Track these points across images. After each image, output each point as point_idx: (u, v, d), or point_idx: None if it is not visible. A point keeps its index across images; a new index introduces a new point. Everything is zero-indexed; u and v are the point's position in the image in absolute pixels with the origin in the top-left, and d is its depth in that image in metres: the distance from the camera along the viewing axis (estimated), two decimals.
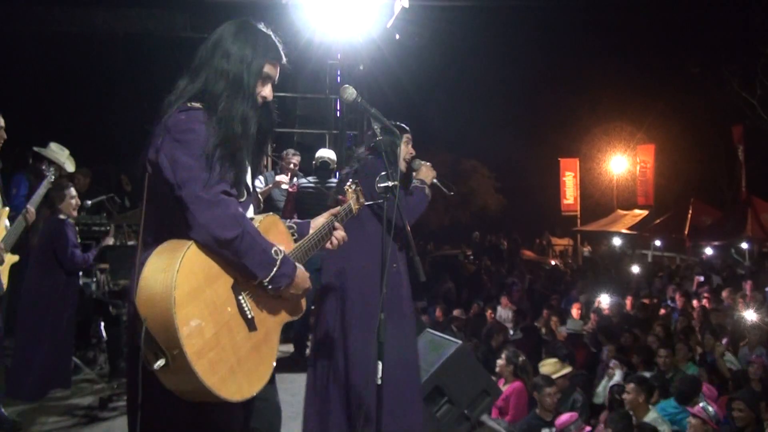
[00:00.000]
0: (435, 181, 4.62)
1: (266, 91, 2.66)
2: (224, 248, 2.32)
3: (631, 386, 6.54)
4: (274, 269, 2.43)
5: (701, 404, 6.04)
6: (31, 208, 5.37)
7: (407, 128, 4.63)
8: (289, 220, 2.87)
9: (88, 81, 15.31)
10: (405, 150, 4.56)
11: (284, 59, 2.71)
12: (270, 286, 2.45)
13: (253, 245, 2.37)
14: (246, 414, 2.66)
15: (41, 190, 5.54)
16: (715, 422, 5.88)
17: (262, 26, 2.70)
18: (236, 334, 2.39)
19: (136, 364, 2.30)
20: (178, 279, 2.21)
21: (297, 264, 2.59)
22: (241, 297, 2.42)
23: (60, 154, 6.93)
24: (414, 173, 4.63)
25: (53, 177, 5.65)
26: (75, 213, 6.20)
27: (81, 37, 12.44)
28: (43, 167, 5.80)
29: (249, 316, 2.44)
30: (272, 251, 2.44)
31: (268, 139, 2.82)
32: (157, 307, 2.20)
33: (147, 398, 2.32)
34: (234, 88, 2.54)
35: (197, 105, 2.48)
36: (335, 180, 7.41)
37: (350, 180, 3.40)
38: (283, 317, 2.66)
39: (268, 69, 2.64)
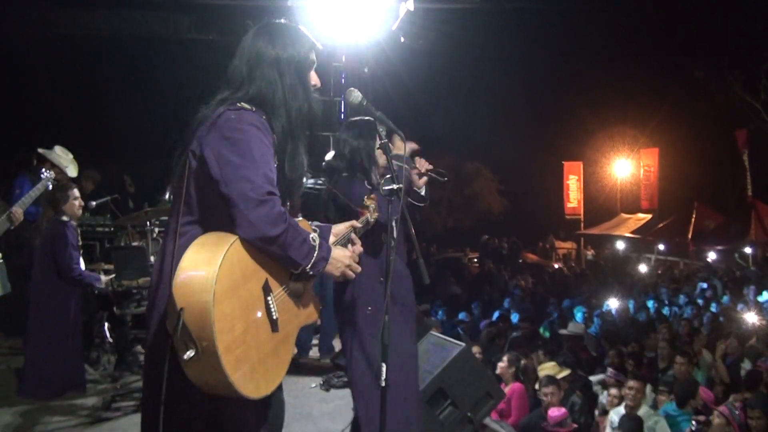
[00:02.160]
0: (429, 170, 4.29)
1: (315, 79, 2.80)
2: (271, 244, 2.40)
3: (637, 383, 6.58)
4: (314, 256, 2.53)
5: (728, 406, 6.07)
6: (18, 209, 5.37)
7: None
8: (312, 223, 2.90)
9: (92, 82, 15.36)
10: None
11: (318, 43, 2.82)
12: (312, 272, 2.56)
13: (296, 237, 2.46)
14: (261, 412, 2.69)
15: (33, 192, 5.55)
16: (738, 425, 5.90)
17: (285, 21, 2.79)
18: (261, 333, 2.44)
19: (161, 354, 2.33)
20: (220, 274, 2.25)
21: (331, 245, 2.70)
22: (269, 298, 2.49)
23: (63, 158, 6.94)
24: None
25: (49, 182, 5.65)
26: (79, 214, 6.21)
27: (85, 39, 12.48)
28: (42, 169, 5.79)
29: (274, 317, 2.49)
30: (310, 239, 2.54)
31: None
32: (195, 299, 2.24)
33: (167, 390, 2.34)
34: (292, 93, 2.64)
35: (247, 106, 2.54)
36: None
37: (367, 193, 3.41)
38: (301, 320, 2.73)
39: (311, 59, 2.77)
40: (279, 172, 2.58)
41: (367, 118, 4.10)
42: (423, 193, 4.35)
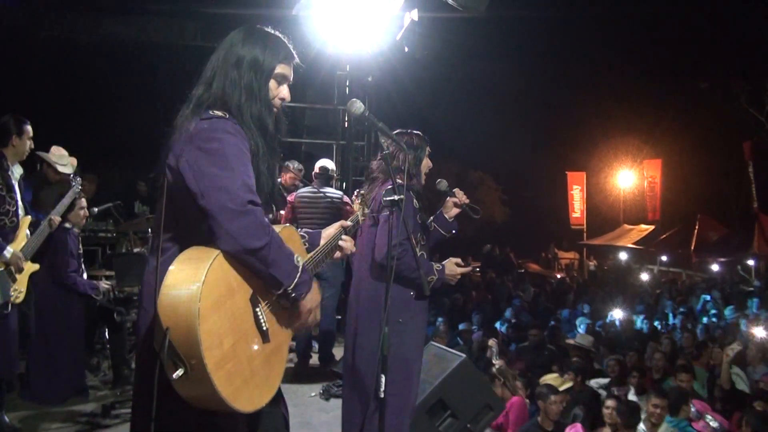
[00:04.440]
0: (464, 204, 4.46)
1: (284, 92, 2.69)
2: (252, 257, 2.33)
3: (662, 401, 6.52)
4: (297, 276, 2.44)
5: (707, 419, 6.01)
6: (56, 217, 5.42)
7: (427, 139, 4.38)
8: (301, 229, 2.90)
9: (98, 88, 15.39)
10: (426, 163, 4.36)
11: (296, 58, 2.73)
12: (293, 294, 2.46)
13: (280, 253, 2.39)
14: (252, 423, 2.67)
15: (66, 200, 5.58)
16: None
17: (269, 29, 2.72)
18: (251, 345, 2.41)
19: (149, 372, 2.30)
20: (204, 290, 2.21)
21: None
22: (258, 309, 2.44)
23: (58, 156, 6.86)
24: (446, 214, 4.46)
25: (79, 187, 5.70)
26: (83, 223, 6.24)
27: (92, 44, 12.52)
28: (71, 177, 5.83)
29: (264, 328, 2.45)
30: (295, 259, 2.46)
31: (277, 147, 2.81)
32: (180, 317, 2.20)
33: (158, 406, 2.32)
34: (248, 93, 2.57)
35: (220, 113, 2.49)
36: (331, 189, 7.56)
37: (356, 192, 3.44)
38: (293, 329, 2.67)
39: (280, 69, 2.65)
40: (258, 178, 2.52)
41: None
42: (451, 222, 4.49)
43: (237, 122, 2.51)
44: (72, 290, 6.02)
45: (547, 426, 6.51)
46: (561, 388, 7.25)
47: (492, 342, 9.16)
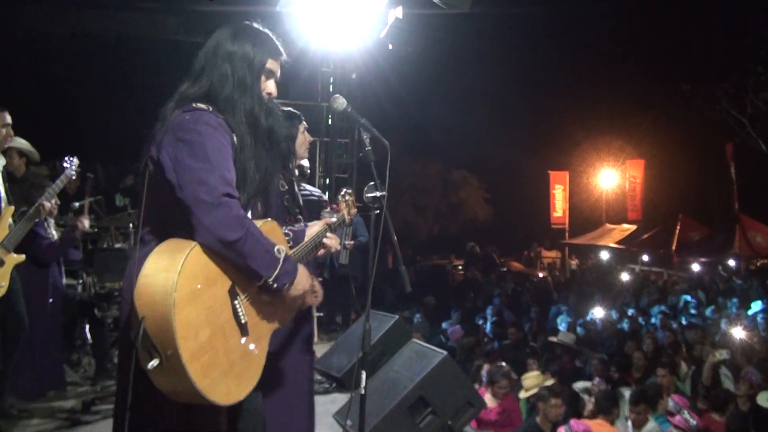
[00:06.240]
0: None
1: (270, 87, 2.72)
2: (228, 249, 2.33)
3: (638, 407, 6.52)
4: (278, 268, 2.44)
5: (684, 415, 6.06)
6: (46, 203, 5.23)
7: (300, 116, 4.25)
8: (286, 227, 2.89)
9: (79, 82, 15.29)
10: (303, 140, 4.24)
11: (284, 55, 2.76)
12: (274, 285, 2.47)
13: (257, 246, 2.39)
14: (231, 417, 2.66)
15: (58, 183, 5.39)
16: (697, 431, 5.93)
17: (258, 25, 2.74)
18: (229, 338, 2.40)
19: (128, 363, 2.30)
20: (180, 281, 2.21)
21: (298, 264, 2.62)
22: (236, 302, 2.44)
23: (21, 142, 6.67)
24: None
25: (73, 172, 5.51)
26: (55, 212, 6.12)
27: (72, 38, 12.44)
28: (65, 158, 5.64)
29: (242, 321, 2.45)
30: (275, 250, 2.46)
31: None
32: (156, 306, 2.20)
33: (137, 399, 2.31)
34: (240, 88, 2.58)
35: (203, 106, 2.50)
36: (311, 186, 7.51)
37: (344, 190, 3.42)
38: (274, 324, 2.67)
39: (270, 65, 2.69)
40: (244, 173, 2.53)
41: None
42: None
43: (220, 115, 2.51)
44: (57, 253, 5.98)
45: (546, 428, 6.51)
46: (543, 386, 7.29)
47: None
